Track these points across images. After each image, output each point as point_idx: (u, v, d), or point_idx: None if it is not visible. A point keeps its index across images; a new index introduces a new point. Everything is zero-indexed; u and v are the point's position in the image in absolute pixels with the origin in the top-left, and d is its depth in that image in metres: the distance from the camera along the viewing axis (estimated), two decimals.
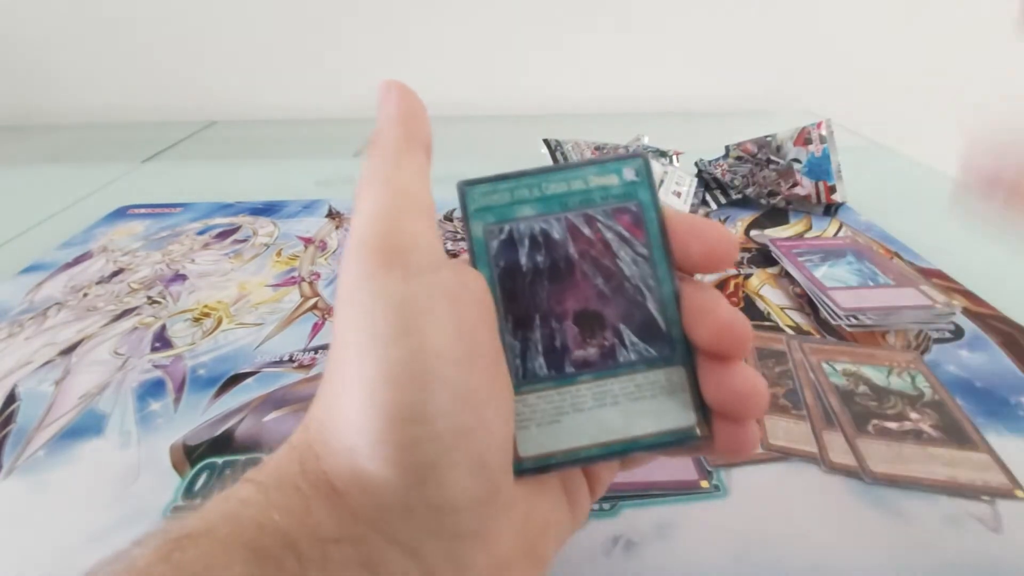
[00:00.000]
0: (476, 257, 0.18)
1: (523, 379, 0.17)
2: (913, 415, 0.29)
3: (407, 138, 0.17)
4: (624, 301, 0.17)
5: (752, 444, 0.17)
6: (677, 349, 0.17)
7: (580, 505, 0.18)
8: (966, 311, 0.37)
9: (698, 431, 0.17)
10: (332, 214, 0.54)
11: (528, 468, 0.16)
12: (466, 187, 0.18)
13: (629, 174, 0.18)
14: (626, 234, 0.18)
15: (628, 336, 0.17)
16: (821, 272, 0.41)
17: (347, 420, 0.14)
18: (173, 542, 0.13)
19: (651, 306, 0.17)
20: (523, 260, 0.17)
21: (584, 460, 0.17)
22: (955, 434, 0.28)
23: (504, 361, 0.16)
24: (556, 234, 0.18)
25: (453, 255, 0.23)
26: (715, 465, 0.27)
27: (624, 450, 0.17)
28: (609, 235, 0.18)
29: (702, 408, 0.17)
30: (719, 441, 0.17)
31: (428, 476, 0.13)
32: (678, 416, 0.17)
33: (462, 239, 0.47)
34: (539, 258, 0.17)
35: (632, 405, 0.17)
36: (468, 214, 0.18)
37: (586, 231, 0.18)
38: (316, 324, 0.38)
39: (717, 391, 0.16)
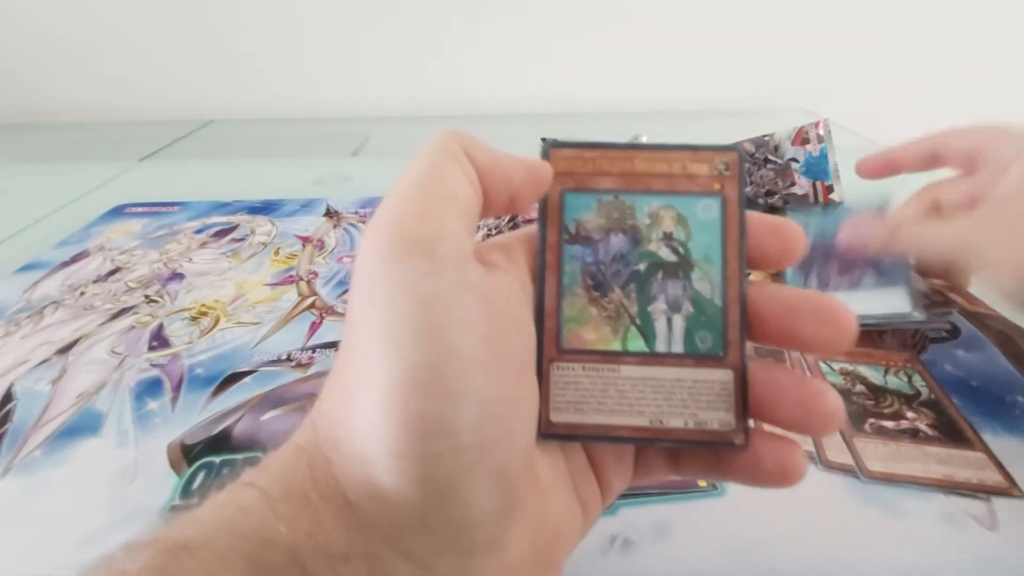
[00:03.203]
0: (547, 218, 0.17)
1: (568, 347, 0.17)
2: (910, 414, 0.29)
3: (462, 150, 0.16)
4: (687, 292, 0.17)
5: (803, 469, 0.16)
6: (730, 352, 0.17)
7: (591, 509, 0.18)
8: (962, 311, 0.37)
9: (735, 439, 0.16)
10: (330, 213, 0.54)
11: (556, 435, 0.16)
12: (550, 147, 0.18)
13: (719, 165, 0.17)
14: (703, 226, 0.17)
15: (682, 326, 0.17)
16: None
17: (363, 426, 0.13)
18: (168, 553, 0.12)
19: (714, 302, 0.17)
20: (593, 231, 0.17)
21: (612, 439, 0.16)
22: (951, 433, 0.28)
23: (531, 363, 0.16)
24: (631, 211, 0.17)
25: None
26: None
27: (654, 439, 0.16)
28: (686, 225, 0.17)
29: (744, 417, 0.16)
30: (766, 461, 0.16)
31: (448, 493, 0.13)
32: (717, 416, 0.16)
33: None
34: (610, 232, 0.17)
35: (672, 395, 0.16)
36: None
37: (663, 214, 0.17)
38: (314, 323, 0.38)
39: (796, 408, 0.16)
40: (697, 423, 0.16)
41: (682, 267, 0.17)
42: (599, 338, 0.17)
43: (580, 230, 0.17)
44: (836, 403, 0.15)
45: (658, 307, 0.17)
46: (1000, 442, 0.28)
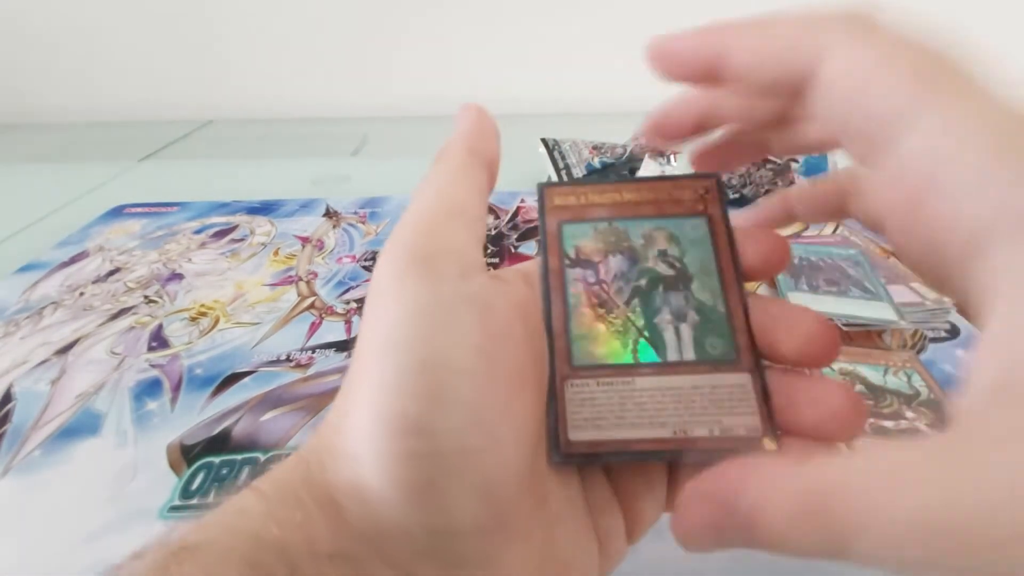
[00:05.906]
0: (548, 247, 0.18)
1: (579, 364, 0.17)
2: (909, 414, 0.29)
3: (469, 153, 0.18)
4: (690, 302, 0.18)
5: None
6: (743, 355, 0.17)
7: (612, 544, 0.17)
8: (961, 310, 0.37)
9: (765, 444, 0.16)
10: (329, 213, 0.54)
11: (575, 454, 0.16)
12: (545, 187, 0.20)
13: (700, 189, 0.19)
14: (695, 242, 0.18)
15: (691, 334, 0.17)
16: None
17: (354, 427, 0.14)
18: (171, 555, 0.12)
19: (718, 310, 0.17)
20: (592, 254, 0.18)
21: (635, 455, 0.16)
22: None
23: (533, 379, 0.16)
24: (626, 235, 0.19)
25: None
26: None
27: (679, 450, 0.16)
28: (679, 242, 0.19)
29: (770, 420, 0.16)
30: None
31: (428, 496, 0.13)
32: (742, 421, 0.16)
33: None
34: (608, 254, 0.18)
35: (693, 403, 0.16)
36: (544, 209, 0.19)
37: (656, 235, 0.19)
38: (313, 323, 0.38)
39: (812, 408, 0.15)
40: (723, 430, 0.16)
41: (681, 279, 0.18)
42: (610, 352, 0.17)
43: (580, 254, 0.18)
44: (859, 404, 0.15)
45: (664, 318, 0.17)
46: None
